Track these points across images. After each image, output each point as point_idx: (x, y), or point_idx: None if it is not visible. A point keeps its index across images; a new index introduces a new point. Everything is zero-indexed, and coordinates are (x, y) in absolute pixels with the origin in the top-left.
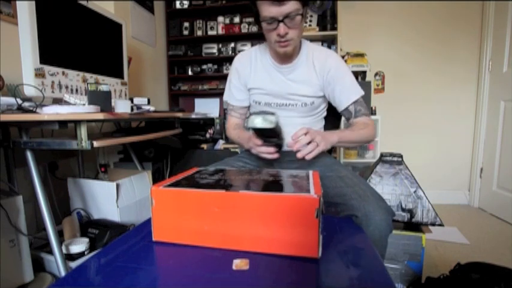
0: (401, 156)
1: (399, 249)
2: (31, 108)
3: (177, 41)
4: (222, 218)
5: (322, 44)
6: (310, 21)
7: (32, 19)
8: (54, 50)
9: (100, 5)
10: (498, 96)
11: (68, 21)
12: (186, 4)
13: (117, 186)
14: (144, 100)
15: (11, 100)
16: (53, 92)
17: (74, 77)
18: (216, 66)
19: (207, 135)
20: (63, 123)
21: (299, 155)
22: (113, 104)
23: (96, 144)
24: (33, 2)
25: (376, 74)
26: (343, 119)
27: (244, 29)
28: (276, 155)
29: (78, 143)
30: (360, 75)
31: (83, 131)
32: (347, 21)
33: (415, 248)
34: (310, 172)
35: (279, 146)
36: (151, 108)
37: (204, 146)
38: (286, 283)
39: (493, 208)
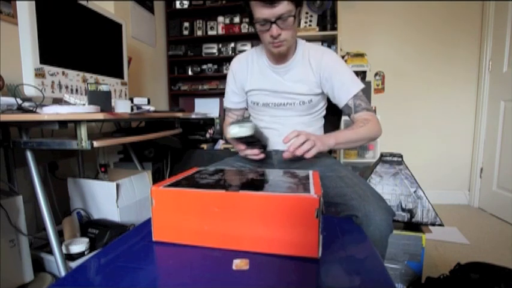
0: (401, 156)
1: (399, 249)
2: (31, 108)
3: (177, 41)
4: (222, 218)
5: (322, 44)
6: (310, 21)
7: (32, 19)
8: (54, 50)
9: (100, 5)
10: (498, 96)
11: (68, 21)
12: (186, 4)
13: (117, 186)
14: (144, 100)
15: (11, 100)
16: (53, 92)
17: (74, 77)
18: (216, 66)
19: (207, 135)
20: (63, 123)
21: (297, 152)
22: (113, 104)
23: (96, 144)
24: (33, 2)
25: (376, 74)
26: (342, 119)
27: (244, 29)
28: (261, 156)
29: (78, 143)
30: (360, 75)
31: (83, 131)
32: (347, 21)
33: (415, 248)
34: (310, 172)
35: (263, 146)
36: (151, 108)
37: (204, 146)
38: (286, 283)
39: (493, 208)
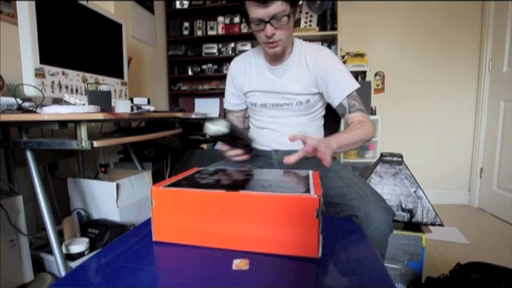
0: (401, 156)
1: (399, 249)
2: (31, 108)
3: (177, 41)
4: (222, 218)
5: (322, 44)
6: (310, 21)
7: (32, 19)
8: (54, 50)
9: (100, 5)
10: (498, 96)
11: (68, 21)
12: (186, 4)
13: (117, 186)
14: (144, 100)
15: (11, 100)
16: (53, 92)
17: (74, 77)
18: (216, 66)
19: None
20: (63, 123)
21: (326, 164)
22: (113, 104)
23: (96, 144)
24: (33, 2)
25: (376, 74)
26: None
27: (244, 29)
28: (244, 157)
29: (78, 143)
30: (360, 75)
31: (83, 131)
32: (347, 21)
33: (415, 248)
34: (310, 172)
35: (248, 147)
36: (151, 108)
37: (204, 146)
38: (286, 283)
39: (493, 208)
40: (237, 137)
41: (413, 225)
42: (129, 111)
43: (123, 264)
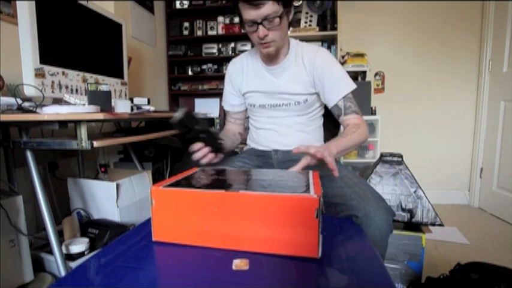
0: (401, 156)
1: (399, 249)
2: (31, 108)
3: (177, 41)
4: (222, 218)
5: (322, 44)
6: (310, 21)
7: (32, 19)
8: (54, 50)
9: (100, 5)
10: (498, 96)
11: (68, 21)
12: (186, 4)
13: (117, 186)
14: (144, 100)
15: (11, 100)
16: (53, 92)
17: (74, 77)
18: (216, 66)
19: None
20: (63, 123)
21: (335, 174)
22: (113, 104)
23: (96, 144)
24: (33, 2)
25: (376, 74)
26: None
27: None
28: (209, 157)
29: (78, 143)
30: (360, 75)
31: (83, 131)
32: (347, 21)
33: (415, 248)
34: (310, 172)
35: (216, 148)
36: (151, 108)
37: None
38: (286, 283)
39: (493, 208)
40: (201, 129)
41: (413, 225)
42: (129, 111)
43: (123, 264)
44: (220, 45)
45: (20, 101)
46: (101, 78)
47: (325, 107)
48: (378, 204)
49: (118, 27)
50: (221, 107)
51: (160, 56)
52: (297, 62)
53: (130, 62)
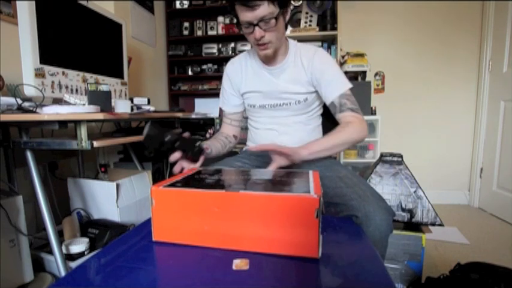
0: (401, 156)
1: (399, 249)
2: (31, 108)
3: (177, 41)
4: (222, 218)
5: (322, 44)
6: (310, 21)
7: (32, 19)
8: (54, 50)
9: (100, 5)
10: (498, 96)
11: (68, 21)
12: (186, 4)
13: (117, 186)
14: (144, 100)
15: (11, 100)
16: (53, 92)
17: (74, 77)
18: (216, 66)
19: (207, 135)
20: (63, 123)
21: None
22: (113, 104)
23: (96, 144)
24: (33, 2)
25: (376, 74)
26: None
27: None
28: (189, 166)
29: (78, 143)
30: (360, 75)
31: (83, 131)
32: (347, 21)
33: (415, 248)
34: (310, 172)
35: (195, 152)
36: (151, 108)
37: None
38: (286, 283)
39: (493, 208)
40: (173, 139)
41: (413, 225)
42: (129, 111)
43: (123, 264)
44: (220, 45)
45: (20, 101)
46: (101, 78)
47: (324, 107)
48: (378, 204)
49: (118, 27)
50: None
51: (160, 56)
52: (295, 62)
53: (130, 62)
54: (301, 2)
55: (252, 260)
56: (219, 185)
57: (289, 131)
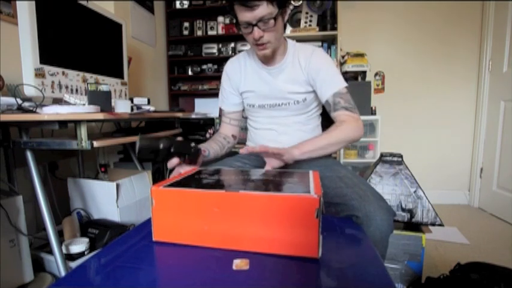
0: (401, 156)
1: (399, 249)
2: (31, 108)
3: (177, 41)
4: (222, 218)
5: (322, 44)
6: (310, 21)
7: (32, 19)
8: (54, 50)
9: (100, 5)
10: (498, 96)
11: (68, 21)
12: (186, 4)
13: (117, 186)
14: (144, 100)
15: (11, 100)
16: (53, 92)
17: (74, 77)
18: (216, 66)
19: (207, 135)
20: (63, 123)
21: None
22: (113, 104)
23: (96, 144)
24: (33, 2)
25: (376, 74)
26: None
27: None
28: (188, 169)
29: (78, 143)
30: (360, 75)
31: (83, 131)
32: (347, 20)
33: (415, 248)
34: (310, 172)
35: (192, 153)
36: (151, 108)
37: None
38: (286, 283)
39: (493, 208)
40: (167, 146)
41: (413, 225)
42: (129, 111)
43: (123, 264)
44: (220, 45)
45: (20, 101)
46: (101, 78)
47: (323, 107)
48: (378, 204)
49: (118, 27)
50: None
51: (160, 56)
52: (294, 62)
53: (130, 62)
54: (301, 2)
55: (252, 260)
56: (219, 185)
57: (288, 131)
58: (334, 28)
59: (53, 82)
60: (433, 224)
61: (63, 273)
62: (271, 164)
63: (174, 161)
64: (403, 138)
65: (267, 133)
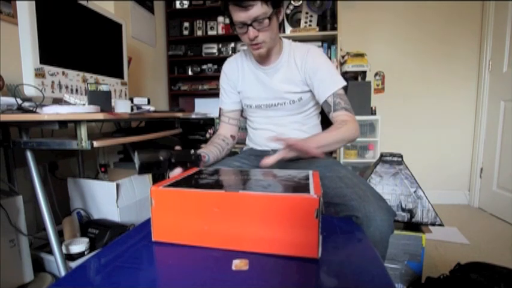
0: (401, 156)
1: (399, 249)
2: (31, 108)
3: (177, 41)
4: (222, 218)
5: (322, 44)
6: (310, 21)
7: (32, 19)
8: (54, 50)
9: (100, 5)
10: (498, 96)
11: (68, 21)
12: (186, 4)
13: (117, 186)
14: (144, 100)
15: (11, 100)
16: (53, 92)
17: (74, 77)
18: (216, 66)
19: (207, 135)
20: (63, 123)
21: (317, 153)
22: (113, 104)
23: (96, 144)
24: (33, 2)
25: (376, 74)
26: None
27: None
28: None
29: (78, 143)
30: (360, 75)
31: (83, 131)
32: (347, 20)
33: (415, 248)
34: (310, 172)
35: (193, 160)
36: (151, 108)
37: (204, 146)
38: (285, 283)
39: (493, 208)
40: (167, 157)
41: (413, 225)
42: (129, 111)
43: (123, 264)
44: (220, 45)
45: (20, 101)
46: (101, 78)
47: (322, 115)
48: (378, 204)
49: (118, 27)
50: None
51: (160, 56)
52: (289, 62)
53: (130, 62)
54: (301, 2)
55: (251, 261)
56: (218, 185)
57: (285, 131)
58: (334, 28)
59: (53, 82)
60: (433, 224)
61: (63, 273)
62: (285, 153)
63: (176, 171)
64: (403, 138)
65: (266, 133)
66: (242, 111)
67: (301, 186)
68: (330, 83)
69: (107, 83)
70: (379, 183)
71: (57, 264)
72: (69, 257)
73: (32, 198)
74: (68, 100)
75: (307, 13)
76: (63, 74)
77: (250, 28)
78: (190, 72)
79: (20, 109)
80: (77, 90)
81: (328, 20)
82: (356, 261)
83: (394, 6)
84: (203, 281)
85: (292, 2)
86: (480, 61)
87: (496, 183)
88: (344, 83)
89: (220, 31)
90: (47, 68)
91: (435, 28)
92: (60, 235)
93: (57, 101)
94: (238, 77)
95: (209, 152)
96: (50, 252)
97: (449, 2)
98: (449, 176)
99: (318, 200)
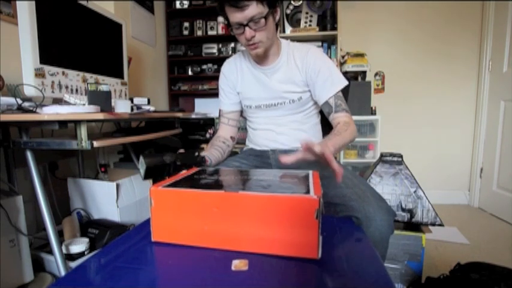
0: (401, 156)
1: (399, 249)
2: (31, 108)
3: (177, 41)
4: (222, 219)
5: (322, 44)
6: (311, 21)
7: (32, 19)
8: (54, 50)
9: (100, 5)
10: (498, 96)
11: (68, 21)
12: (186, 4)
13: (117, 186)
14: (144, 100)
15: (11, 100)
16: (53, 92)
17: (74, 77)
18: (216, 66)
19: (207, 135)
20: (63, 123)
21: (339, 178)
22: (113, 104)
23: (96, 144)
24: (33, 2)
25: (376, 74)
26: None
27: None
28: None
29: (78, 143)
30: (360, 75)
31: (83, 131)
32: (347, 20)
33: (415, 248)
34: (310, 172)
35: (197, 161)
36: (151, 108)
37: (204, 146)
38: (285, 284)
39: (493, 208)
40: (172, 160)
41: (413, 225)
42: (129, 111)
43: (122, 264)
44: (220, 45)
45: (20, 101)
46: (101, 78)
47: (322, 117)
48: (378, 204)
49: (118, 27)
50: None
51: (160, 56)
52: (289, 62)
53: (130, 62)
54: (301, 2)
55: (251, 261)
56: (218, 185)
57: (286, 130)
58: (334, 28)
59: (53, 82)
60: (433, 224)
61: (63, 273)
62: (305, 156)
63: (183, 174)
64: (403, 138)
65: (265, 133)
66: (242, 111)
67: (301, 187)
68: (331, 84)
69: (107, 83)
70: (379, 183)
71: (57, 264)
72: (69, 257)
73: (32, 198)
74: (68, 100)
75: (307, 13)
76: (63, 74)
77: (247, 28)
78: (190, 72)
79: (20, 109)
80: (77, 90)
81: (328, 20)
82: (356, 262)
83: (394, 6)
84: (203, 281)
85: (292, 2)
86: (480, 61)
87: (496, 183)
88: (346, 83)
89: (220, 31)
90: (47, 68)
91: (435, 28)
92: (60, 235)
93: (57, 101)
94: (237, 78)
95: (211, 155)
96: (50, 252)
97: (449, 2)
98: (449, 176)
99: (318, 200)
